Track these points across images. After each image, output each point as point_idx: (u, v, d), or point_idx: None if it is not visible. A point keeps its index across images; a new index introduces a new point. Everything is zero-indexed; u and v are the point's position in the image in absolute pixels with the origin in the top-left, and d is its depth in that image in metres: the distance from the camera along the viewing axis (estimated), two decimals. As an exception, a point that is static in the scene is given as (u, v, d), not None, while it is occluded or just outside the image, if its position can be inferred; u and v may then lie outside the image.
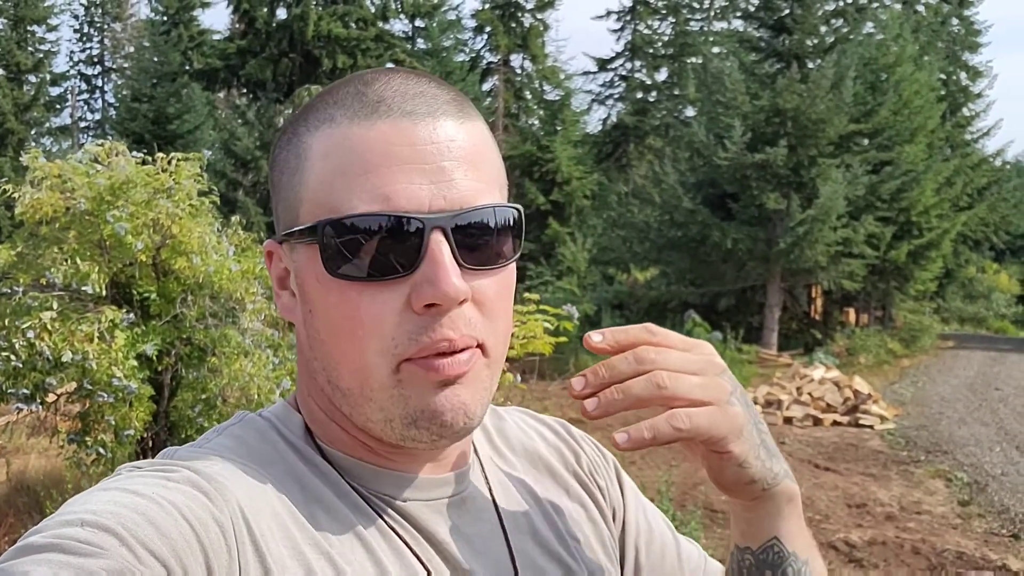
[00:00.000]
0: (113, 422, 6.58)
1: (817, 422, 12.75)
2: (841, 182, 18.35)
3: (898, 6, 24.00)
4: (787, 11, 20.06)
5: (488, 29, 30.90)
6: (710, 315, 20.14)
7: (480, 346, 0.69)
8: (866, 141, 20.43)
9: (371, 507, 0.73)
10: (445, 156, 0.66)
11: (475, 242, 0.67)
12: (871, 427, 12.41)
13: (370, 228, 0.65)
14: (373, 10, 25.43)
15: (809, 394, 13.36)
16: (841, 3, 21.26)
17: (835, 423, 12.70)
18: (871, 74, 20.78)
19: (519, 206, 0.71)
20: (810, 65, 19.82)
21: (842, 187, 18.23)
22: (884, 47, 21.12)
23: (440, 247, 0.65)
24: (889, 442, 11.46)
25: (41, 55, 25.68)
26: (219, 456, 0.72)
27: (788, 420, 12.86)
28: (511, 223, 0.69)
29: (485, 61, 31.52)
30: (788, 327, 21.25)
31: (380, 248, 0.65)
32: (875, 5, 23.05)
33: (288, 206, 0.70)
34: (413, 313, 0.66)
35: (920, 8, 27.56)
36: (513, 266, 0.72)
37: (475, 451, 0.83)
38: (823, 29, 20.57)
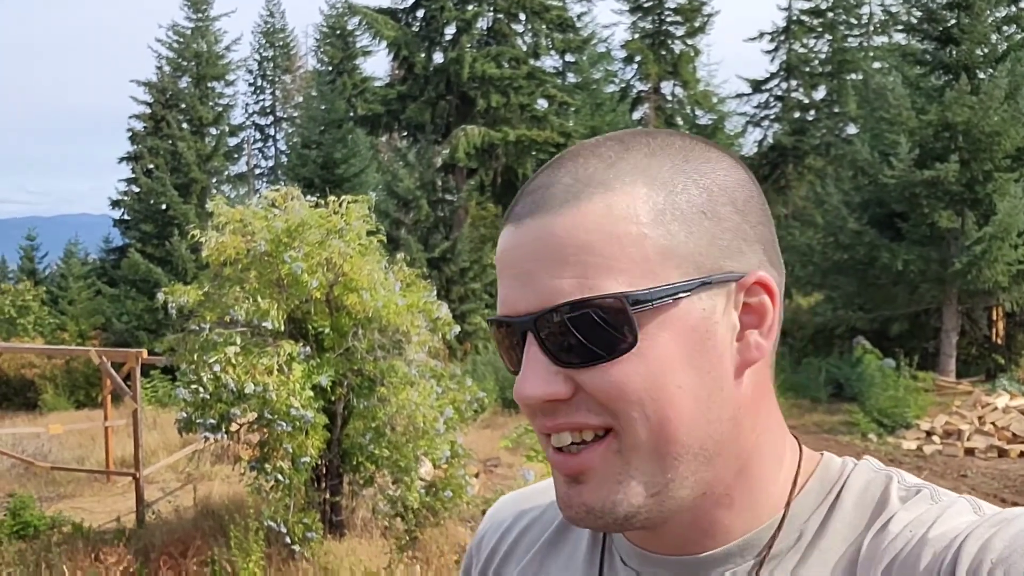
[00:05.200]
0: (290, 450, 6.95)
1: (1002, 453, 11.93)
2: (1021, 197, 17.23)
3: (1080, 7, 22.38)
4: (953, 21, 19.10)
5: (638, 58, 30.93)
6: (881, 341, 19.25)
7: (609, 430, 0.66)
8: (1048, 152, 19.10)
9: (601, 560, 0.79)
10: (529, 258, 0.66)
11: (567, 340, 0.65)
12: (1065, 459, 11.51)
13: (494, 331, 0.71)
14: (525, 49, 25.97)
15: (993, 423, 12.53)
16: (1014, 9, 20.07)
17: (1023, 455, 11.85)
18: (1051, 81, 19.45)
19: (619, 292, 0.64)
20: (981, 76, 18.76)
21: (1022, 202, 17.11)
22: (1065, 51, 19.74)
23: (530, 348, 0.66)
24: (1087, 475, 10.58)
25: (220, 109, 27.54)
26: (541, 485, 0.90)
27: (970, 451, 12.10)
28: (604, 313, 0.64)
29: (635, 90, 31.53)
30: (967, 352, 20.00)
31: (504, 349, 0.70)
32: (1053, 8, 21.62)
33: None
34: None
35: (1106, 7, 25.65)
36: (646, 351, 0.65)
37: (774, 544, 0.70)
38: (994, 37, 19.46)
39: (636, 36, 30.85)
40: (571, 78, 30.15)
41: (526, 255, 0.67)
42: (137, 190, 25.04)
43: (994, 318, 21.30)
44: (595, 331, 0.64)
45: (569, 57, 29.43)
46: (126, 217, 25.50)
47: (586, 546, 0.81)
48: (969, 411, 13.15)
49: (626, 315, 0.64)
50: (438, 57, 25.50)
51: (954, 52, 19.01)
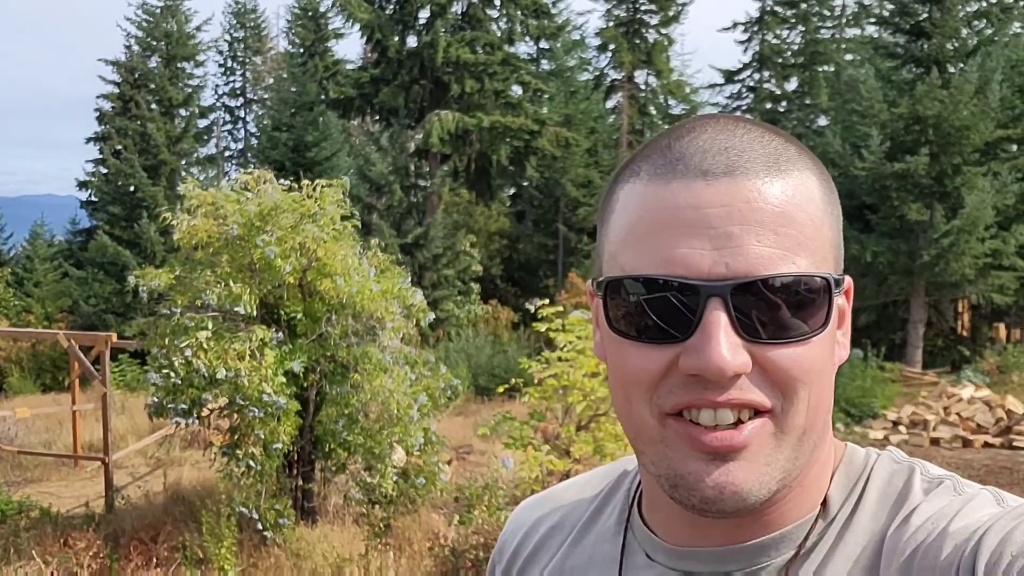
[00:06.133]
0: (262, 436, 6.90)
1: (967, 444, 12.11)
2: (989, 191, 17.47)
3: (1048, 3, 22.66)
4: (925, 15, 19.27)
5: (612, 47, 30.91)
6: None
7: (769, 412, 0.63)
8: (1015, 147, 19.37)
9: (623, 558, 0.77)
10: (735, 220, 0.62)
11: (763, 313, 0.62)
12: (1027, 449, 11.71)
13: (647, 291, 0.63)
14: (499, 34, 25.84)
15: (958, 414, 12.70)
16: (984, 4, 20.28)
17: (987, 445, 12.04)
18: (1019, 76, 19.73)
19: (828, 274, 0.64)
20: (951, 70, 18.96)
21: (990, 196, 17.35)
22: (1034, 47, 20.02)
23: (715, 316, 0.61)
24: (1048, 465, 10.79)
25: (190, 90, 27.18)
26: (561, 487, 0.90)
27: (935, 441, 12.27)
28: (810, 293, 0.63)
29: (609, 79, 31.52)
30: (933, 344, 20.29)
31: (655, 311, 0.63)
32: (1022, 3, 21.88)
33: (597, 254, 0.71)
34: (679, 371, 0.63)
35: (1073, 4, 25.98)
36: (829, 338, 0.65)
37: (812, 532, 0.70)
38: (965, 32, 19.66)
39: (610, 24, 30.80)
40: (545, 65, 30.06)
41: (729, 216, 0.62)
42: (105, 171, 24.67)
43: (960, 310, 21.63)
44: (800, 308, 0.62)
45: (543, 44, 29.36)
46: (93, 198, 25.12)
47: (609, 544, 0.79)
48: (935, 402, 13.33)
49: (830, 297, 0.64)
50: (412, 41, 25.30)
51: (925, 46, 19.20)
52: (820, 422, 0.66)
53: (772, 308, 0.62)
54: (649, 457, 0.67)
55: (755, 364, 0.62)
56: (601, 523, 0.81)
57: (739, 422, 0.63)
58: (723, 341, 0.60)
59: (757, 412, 0.63)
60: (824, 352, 0.65)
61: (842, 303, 0.69)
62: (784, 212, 0.62)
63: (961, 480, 0.69)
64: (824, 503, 0.70)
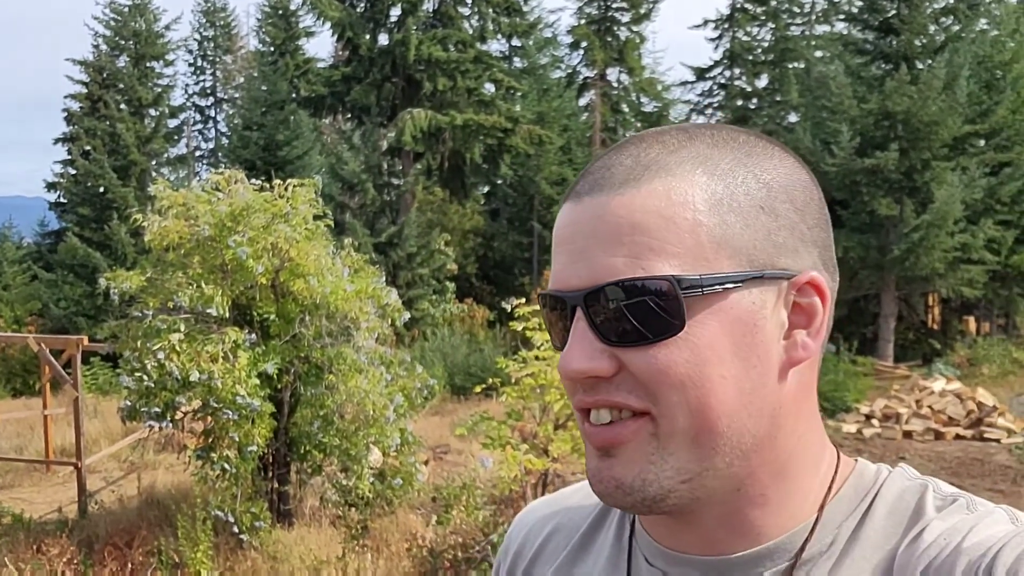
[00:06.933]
0: (237, 438, 6.84)
1: (939, 436, 12.26)
2: (957, 185, 17.67)
3: (1013, 0, 22.97)
4: (893, 12, 19.46)
5: (584, 44, 30.96)
6: (820, 326, 19.61)
7: (647, 415, 0.66)
8: (983, 142, 19.62)
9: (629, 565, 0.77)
10: (586, 234, 0.67)
11: (613, 318, 0.65)
12: (998, 441, 11.86)
13: (544, 306, 0.72)
14: (471, 32, 25.78)
15: (929, 407, 12.85)
16: (951, 1, 20.53)
17: (958, 437, 12.19)
18: (986, 72, 19.97)
19: (670, 275, 0.64)
20: (920, 66, 19.17)
21: (958, 190, 17.55)
22: (1000, 44, 20.29)
23: (576, 324, 0.66)
24: (1018, 456, 10.93)
25: (160, 90, 26.88)
26: (569, 490, 0.90)
27: (908, 434, 12.41)
28: (654, 295, 0.64)
29: (581, 76, 31.57)
30: (904, 337, 20.51)
31: (551, 324, 0.71)
32: (988, 0, 22.16)
33: None
34: None
35: (1037, 1, 26.30)
36: (693, 337, 0.65)
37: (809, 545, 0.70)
38: (932, 28, 19.88)
39: (582, 22, 30.86)
40: (517, 63, 30.04)
41: (582, 231, 0.67)
42: (74, 172, 24.34)
43: (930, 304, 21.88)
44: (644, 312, 0.64)
45: (516, 42, 29.33)
46: (62, 200, 24.79)
47: (612, 549, 0.80)
48: (907, 395, 13.47)
49: (676, 299, 0.64)
50: (383, 39, 25.17)
51: (894, 42, 19.40)
52: (728, 426, 0.66)
53: (618, 313, 0.65)
54: None
55: (624, 367, 0.66)
56: (606, 528, 0.82)
57: (620, 419, 0.67)
58: (575, 347, 0.66)
59: (635, 413, 0.66)
60: (698, 353, 0.65)
61: (808, 302, 0.68)
62: (632, 221, 0.65)
63: (974, 498, 0.69)
64: (820, 514, 0.70)
